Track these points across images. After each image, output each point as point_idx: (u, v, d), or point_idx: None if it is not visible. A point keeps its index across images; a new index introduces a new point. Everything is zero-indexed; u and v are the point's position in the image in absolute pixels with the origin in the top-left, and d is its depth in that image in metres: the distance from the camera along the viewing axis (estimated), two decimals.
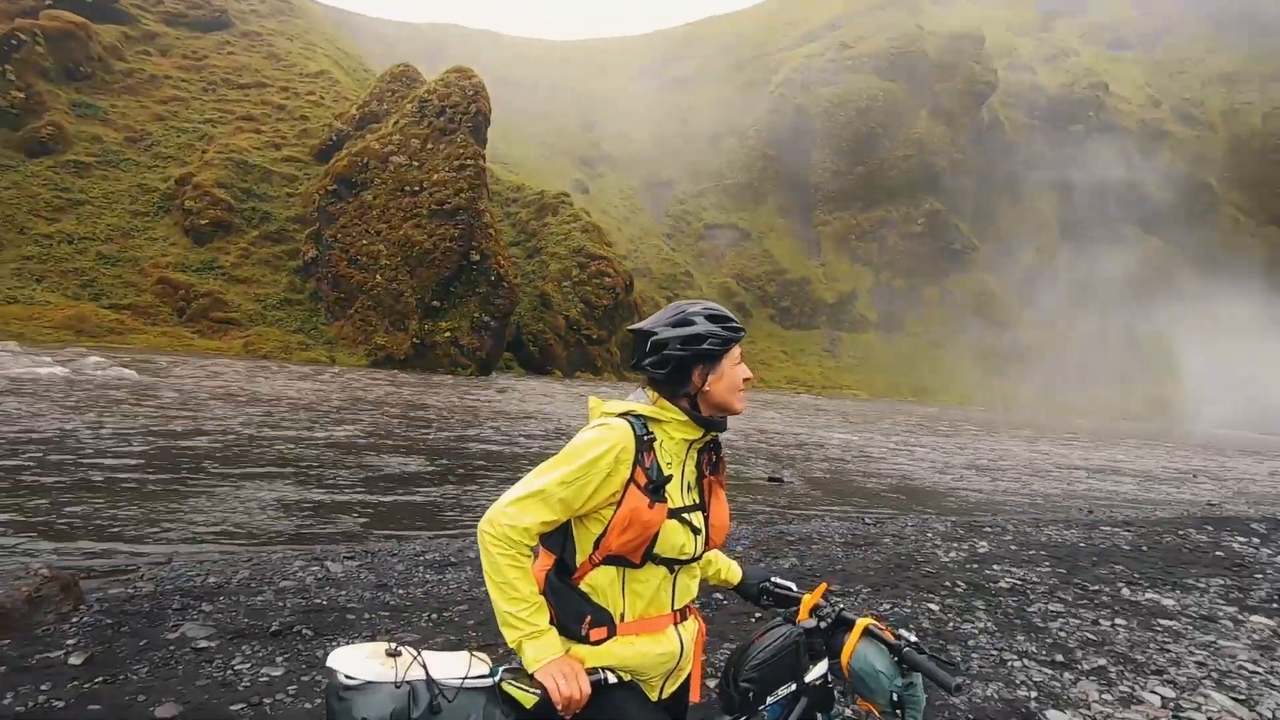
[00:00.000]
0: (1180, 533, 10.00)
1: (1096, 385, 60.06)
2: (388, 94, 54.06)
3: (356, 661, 1.44)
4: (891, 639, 1.70)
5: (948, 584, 6.30)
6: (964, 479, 16.54)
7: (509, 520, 1.52)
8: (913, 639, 1.70)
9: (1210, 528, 10.69)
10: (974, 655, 4.59)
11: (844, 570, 6.69)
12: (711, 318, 1.66)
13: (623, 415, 1.62)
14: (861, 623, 1.73)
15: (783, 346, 67.80)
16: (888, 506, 11.95)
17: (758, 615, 5.19)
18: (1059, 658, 4.65)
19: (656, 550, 1.59)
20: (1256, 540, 9.81)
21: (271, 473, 10.29)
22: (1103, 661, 4.63)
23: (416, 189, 46.94)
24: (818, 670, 1.74)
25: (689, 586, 1.70)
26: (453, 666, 1.49)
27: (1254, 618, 5.90)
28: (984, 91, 69.24)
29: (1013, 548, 8.19)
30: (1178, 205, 66.87)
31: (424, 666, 1.45)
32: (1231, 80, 68.73)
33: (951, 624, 5.20)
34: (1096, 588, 6.52)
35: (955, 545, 8.07)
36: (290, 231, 48.88)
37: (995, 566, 7.12)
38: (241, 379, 26.41)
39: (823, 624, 1.78)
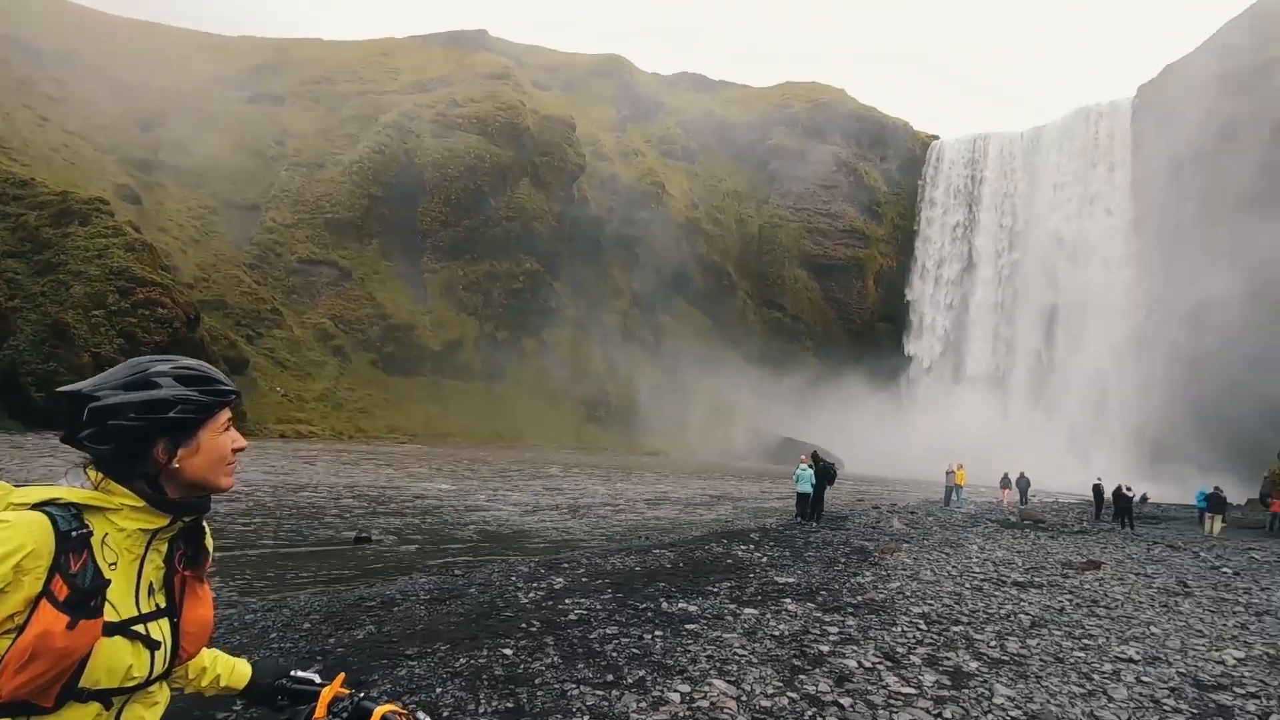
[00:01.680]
0: (706, 547, 12.42)
1: (662, 428, 72.14)
2: None
3: None
4: None
5: (524, 625, 6.59)
6: (551, 519, 17.87)
7: None
8: None
9: (725, 540, 13.54)
10: (539, 693, 4.83)
11: (425, 629, 6.46)
12: (185, 379, 1.37)
13: (40, 505, 1.22)
14: (379, 712, 1.61)
15: (385, 394, 64.64)
16: (479, 554, 12.12)
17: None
18: (610, 677, 5.20)
19: (83, 682, 1.20)
20: (752, 546, 12.77)
21: None
22: (643, 672, 5.34)
23: None
24: None
25: (143, 718, 1.34)
26: None
27: (745, 610, 7.58)
28: (575, 171, 79.10)
29: (584, 580, 9.05)
30: (710, 286, 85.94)
31: None
32: (740, 197, 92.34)
33: (523, 665, 5.41)
34: (644, 605, 7.59)
35: (535, 585, 8.55)
36: None
37: (568, 600, 7.74)
38: None
39: None
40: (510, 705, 4.58)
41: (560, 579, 9.01)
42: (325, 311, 67.03)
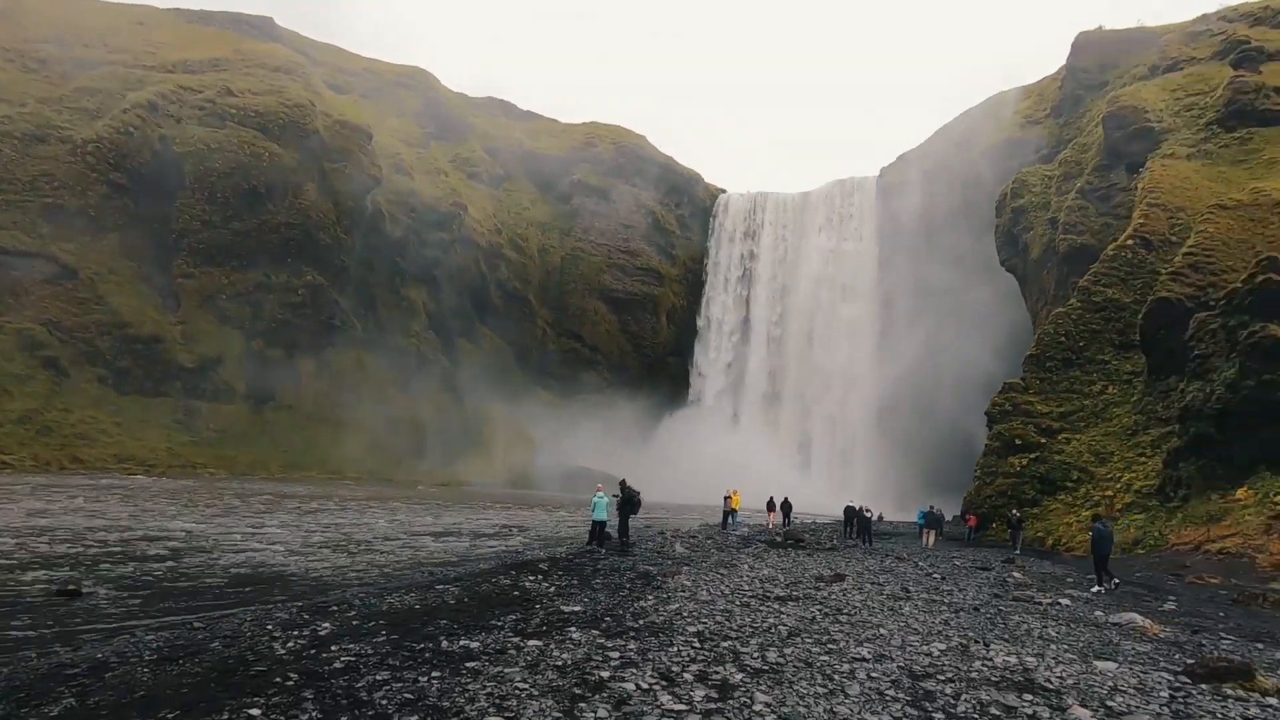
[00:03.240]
0: (493, 580, 12.07)
1: (454, 457, 69.01)
2: None
3: None
4: None
5: (278, 680, 5.86)
6: (320, 557, 16.21)
7: None
8: None
9: (514, 572, 13.27)
10: None
11: (148, 696, 5.47)
12: None
13: None
14: None
15: (115, 417, 54.29)
16: (228, 603, 10.59)
17: None
18: None
19: None
20: (540, 577, 12.66)
21: None
22: (415, 719, 5.00)
23: None
24: None
25: None
26: None
27: (530, 642, 7.45)
28: (369, 183, 74.16)
29: (355, 623, 8.29)
30: (510, 312, 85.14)
31: None
32: (544, 227, 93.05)
33: None
34: (422, 646, 7.15)
35: (295, 633, 7.66)
36: None
37: (334, 647, 7.04)
38: None
39: None
40: None
41: (327, 624, 8.17)
42: (35, 315, 55.15)
